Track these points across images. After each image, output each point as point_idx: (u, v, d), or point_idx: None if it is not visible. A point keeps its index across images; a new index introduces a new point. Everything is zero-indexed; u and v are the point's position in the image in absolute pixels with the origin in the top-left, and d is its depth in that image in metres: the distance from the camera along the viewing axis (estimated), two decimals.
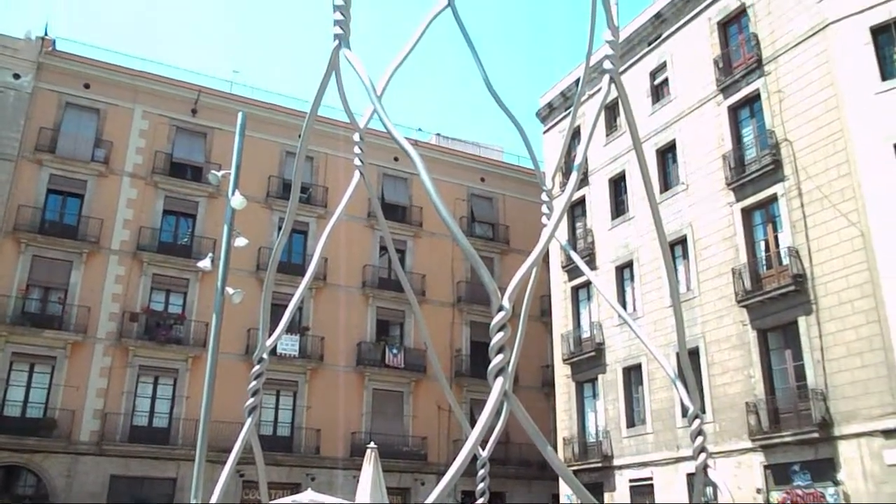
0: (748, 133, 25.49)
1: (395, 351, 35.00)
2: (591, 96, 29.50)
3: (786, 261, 22.92)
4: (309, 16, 78.19)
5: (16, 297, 29.03)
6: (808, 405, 21.16)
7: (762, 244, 24.34)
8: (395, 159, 37.06)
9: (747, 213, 24.69)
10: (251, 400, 1.20)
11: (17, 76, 31.28)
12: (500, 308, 0.86)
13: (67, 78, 32.36)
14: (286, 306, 1.30)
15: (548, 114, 36.20)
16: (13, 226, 29.57)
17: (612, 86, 1.13)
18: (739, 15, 26.38)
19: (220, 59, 74.44)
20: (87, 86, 32.69)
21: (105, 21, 68.39)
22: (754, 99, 25.20)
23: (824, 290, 21.57)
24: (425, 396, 34.99)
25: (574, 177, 1.15)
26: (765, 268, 23.91)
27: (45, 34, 32.23)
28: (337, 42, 0.96)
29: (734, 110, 25.92)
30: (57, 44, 32.55)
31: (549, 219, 1.32)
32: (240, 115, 14.24)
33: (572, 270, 32.38)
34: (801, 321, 22.04)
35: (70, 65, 32.50)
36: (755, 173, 24.16)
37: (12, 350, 28.58)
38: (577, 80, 33.70)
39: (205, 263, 15.84)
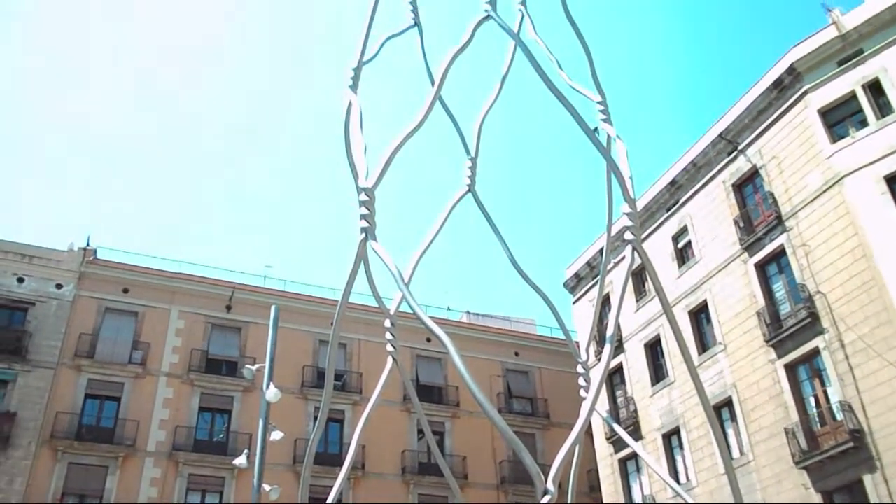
0: (779, 288, 25.38)
1: None
2: (616, 264, 29.84)
3: (839, 416, 22.00)
4: (336, 210, 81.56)
5: None
6: None
7: (812, 400, 23.49)
8: (428, 340, 37.13)
9: (791, 370, 24.05)
10: None
11: (59, 286, 32.50)
12: (546, 492, 0.82)
13: (107, 284, 33.55)
14: (325, 500, 1.26)
15: (575, 284, 36.50)
16: (50, 433, 29.54)
17: (636, 254, 1.14)
18: (752, 176, 27.10)
19: (252, 255, 77.10)
20: (125, 290, 33.80)
21: (144, 225, 71.84)
22: (780, 254, 25.31)
23: (885, 444, 20.51)
24: None
25: (608, 346, 1.14)
26: (819, 425, 22.92)
27: (87, 245, 33.82)
28: (363, 235, 1.00)
29: (761, 267, 25.97)
30: (98, 253, 34.06)
31: (587, 391, 1.29)
32: (272, 308, 14.52)
33: (617, 442, 31.26)
34: (867, 479, 20.79)
35: (110, 272, 33.79)
36: (793, 328, 23.78)
37: None
38: (601, 249, 34.26)
39: (241, 461, 15.56)
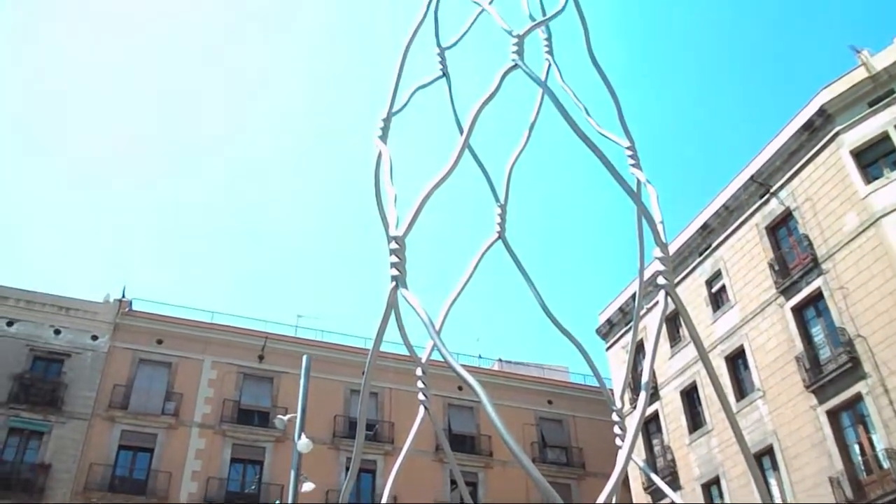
0: (818, 332, 24.87)
1: None
2: (649, 310, 29.51)
3: (886, 464, 21.30)
4: (367, 258, 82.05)
5: None
6: None
7: (856, 447, 22.80)
8: (460, 388, 36.82)
9: (834, 416, 23.41)
10: None
11: (94, 337, 32.92)
12: None
13: (141, 335, 33.91)
14: None
15: (608, 330, 36.11)
16: (83, 485, 29.62)
17: (669, 300, 1.12)
18: (786, 218, 26.80)
19: (284, 305, 77.52)
20: (159, 341, 34.13)
21: (179, 275, 72.77)
22: (817, 298, 24.85)
23: None
24: None
25: (644, 394, 1.12)
26: (865, 473, 22.20)
27: (123, 296, 34.32)
28: (394, 283, 1.00)
29: (799, 311, 25.51)
30: (133, 304, 34.53)
31: (622, 440, 1.26)
32: (304, 358, 14.55)
33: (656, 492, 30.52)
34: None
35: (144, 323, 34.19)
36: (834, 373, 23.22)
37: None
38: (634, 294, 33.97)
39: None
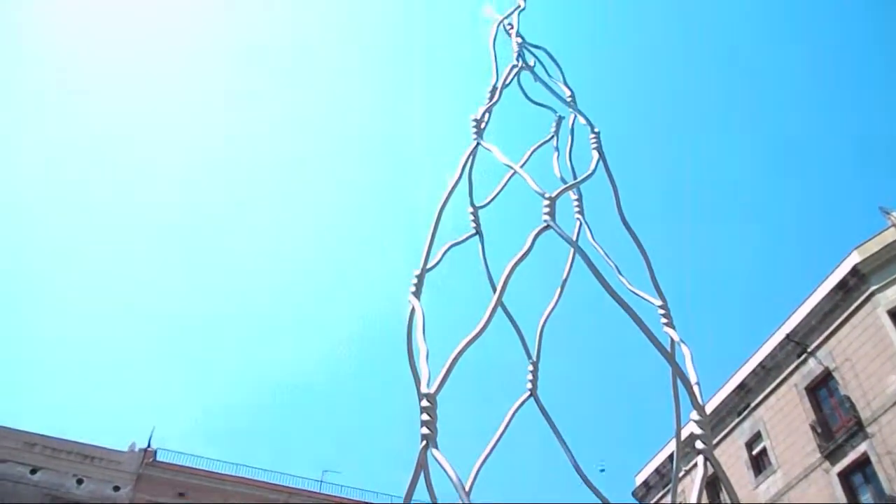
0: (867, 500, 23.52)
1: None
2: (687, 472, 28.30)
3: None
4: (397, 414, 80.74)
5: None
6: None
7: None
8: None
9: None
10: None
11: (116, 488, 32.22)
12: None
13: (163, 486, 33.13)
14: None
15: (645, 493, 34.52)
16: None
17: (708, 463, 1.08)
18: (826, 379, 26.07)
19: (310, 459, 75.76)
20: (181, 494, 33.28)
21: (205, 424, 71.90)
22: (864, 463, 23.69)
23: None
24: None
25: None
26: None
27: (149, 445, 33.86)
28: (424, 442, 0.98)
29: (845, 476, 24.26)
30: (158, 454, 33.99)
31: None
32: None
33: None
34: None
35: (168, 475, 33.50)
36: None
37: None
38: (671, 455, 32.74)
39: None
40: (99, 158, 60.17)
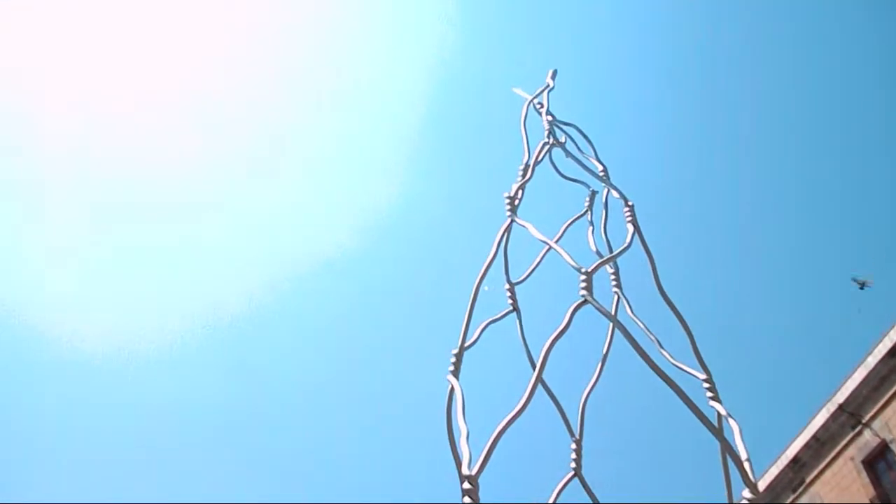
0: None
1: None
2: None
3: None
4: (439, 498, 79.04)
5: None
6: None
7: None
8: None
9: None
10: None
11: None
12: None
13: None
14: None
15: None
16: None
17: None
18: (883, 451, 25.04)
19: None
20: None
21: None
22: None
23: None
24: None
25: None
26: None
27: None
28: None
29: None
30: None
31: None
32: None
33: None
34: None
35: None
36: None
37: None
38: None
39: None
40: None
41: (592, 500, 1.43)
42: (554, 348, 1.20)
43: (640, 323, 1.41)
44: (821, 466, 27.53)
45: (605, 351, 1.50)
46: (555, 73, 2.22)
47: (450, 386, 1.18)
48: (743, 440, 1.12)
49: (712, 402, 1.20)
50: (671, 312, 1.36)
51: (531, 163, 1.77)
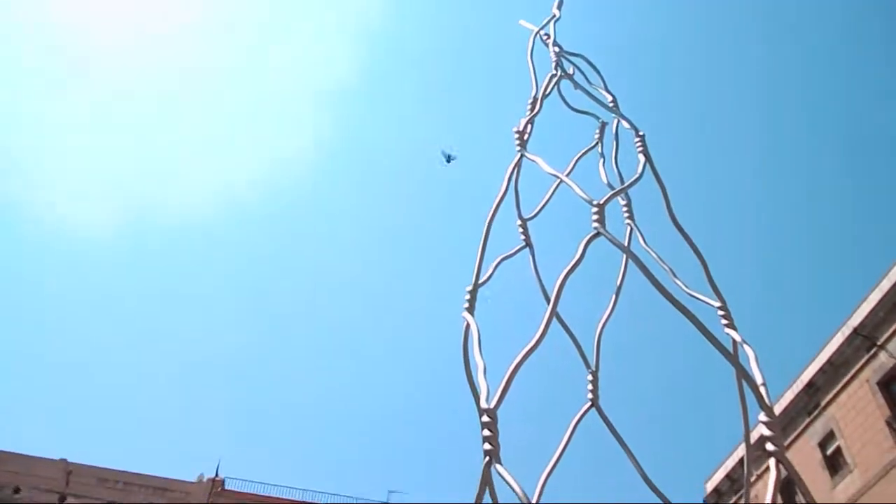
0: None
1: None
2: (759, 477, 27.55)
3: None
4: (460, 432, 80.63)
5: None
6: None
7: None
8: None
9: None
10: None
11: None
12: None
13: None
14: None
15: (717, 500, 33.68)
16: None
17: (781, 466, 1.05)
18: None
19: (374, 480, 75.95)
20: None
21: (273, 451, 72.66)
22: None
23: None
24: None
25: None
26: None
27: (216, 474, 34.41)
28: (487, 458, 0.98)
29: None
30: (226, 482, 34.51)
31: None
32: None
33: None
34: None
35: (236, 502, 33.98)
36: None
37: None
38: (742, 459, 31.96)
39: None
40: None
41: (610, 429, 1.45)
42: (568, 281, 1.20)
43: (653, 253, 1.41)
44: (836, 390, 27.75)
45: (618, 282, 1.50)
46: (561, 2, 2.16)
47: (465, 322, 1.18)
48: (758, 365, 1.13)
49: (727, 329, 1.20)
50: (685, 242, 1.35)
51: (539, 96, 1.75)
